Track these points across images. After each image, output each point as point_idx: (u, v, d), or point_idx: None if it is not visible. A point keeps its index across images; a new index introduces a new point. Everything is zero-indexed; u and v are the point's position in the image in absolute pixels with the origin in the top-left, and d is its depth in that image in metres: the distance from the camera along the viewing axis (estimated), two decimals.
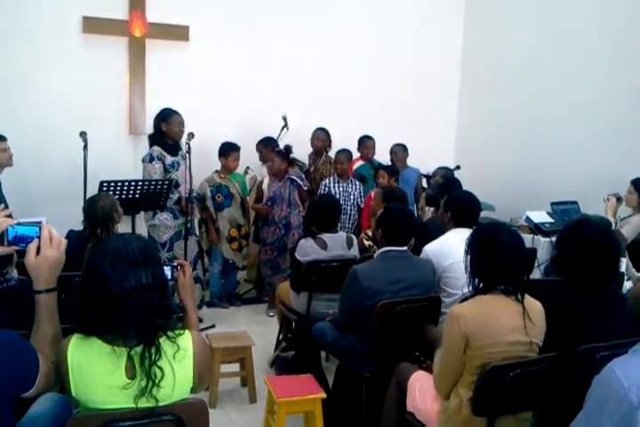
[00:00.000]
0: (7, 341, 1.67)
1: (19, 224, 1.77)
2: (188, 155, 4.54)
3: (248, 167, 5.76)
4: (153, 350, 1.75)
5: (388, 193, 4.06)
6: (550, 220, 5.18)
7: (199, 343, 1.88)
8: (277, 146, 5.34)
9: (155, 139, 4.64)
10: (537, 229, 5.10)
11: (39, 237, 1.78)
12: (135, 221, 4.34)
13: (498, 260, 2.30)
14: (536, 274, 4.58)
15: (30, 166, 5.09)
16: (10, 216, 1.86)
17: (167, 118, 4.59)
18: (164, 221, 4.64)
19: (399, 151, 5.87)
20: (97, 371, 1.75)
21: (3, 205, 2.67)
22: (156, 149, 4.57)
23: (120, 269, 1.74)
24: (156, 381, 1.74)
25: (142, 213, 4.67)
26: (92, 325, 1.75)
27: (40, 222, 1.81)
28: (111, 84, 5.66)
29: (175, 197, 4.59)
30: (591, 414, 1.70)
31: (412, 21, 6.88)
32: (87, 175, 4.54)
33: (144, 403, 1.76)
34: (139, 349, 1.75)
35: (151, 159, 4.55)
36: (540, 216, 5.24)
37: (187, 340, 1.86)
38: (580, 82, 5.74)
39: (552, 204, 5.37)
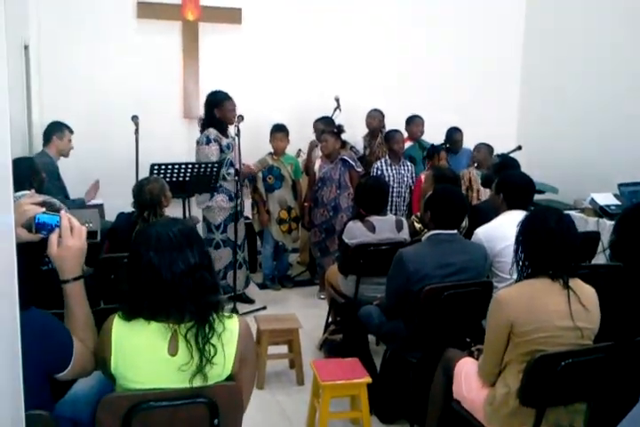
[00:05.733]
0: (42, 320, 1.70)
1: (44, 213, 1.78)
2: (237, 137, 4.51)
3: (300, 150, 5.71)
4: (207, 327, 1.77)
5: (440, 175, 3.92)
6: (617, 202, 4.93)
7: (244, 329, 1.89)
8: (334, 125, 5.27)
9: (207, 123, 4.63)
10: (602, 211, 4.87)
11: (59, 227, 1.77)
12: (187, 205, 4.38)
13: (542, 244, 2.22)
14: (601, 259, 4.35)
15: (88, 151, 5.19)
16: (42, 205, 1.86)
17: (219, 104, 4.57)
18: (221, 203, 4.64)
19: (460, 136, 5.77)
20: (141, 348, 1.77)
21: (32, 191, 2.72)
22: (213, 132, 4.57)
23: (167, 256, 1.75)
24: (210, 358, 1.75)
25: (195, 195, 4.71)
26: (148, 311, 1.77)
27: (59, 212, 1.81)
28: (165, 69, 5.72)
29: (232, 173, 4.57)
30: None
31: (473, 1, 6.61)
32: (140, 158, 4.62)
33: (196, 382, 1.76)
34: (184, 325, 1.76)
35: (208, 141, 4.54)
36: (606, 198, 4.99)
37: (234, 323, 1.87)
38: None
39: (619, 185, 5.09)
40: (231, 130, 4.59)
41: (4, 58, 1.30)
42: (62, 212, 1.82)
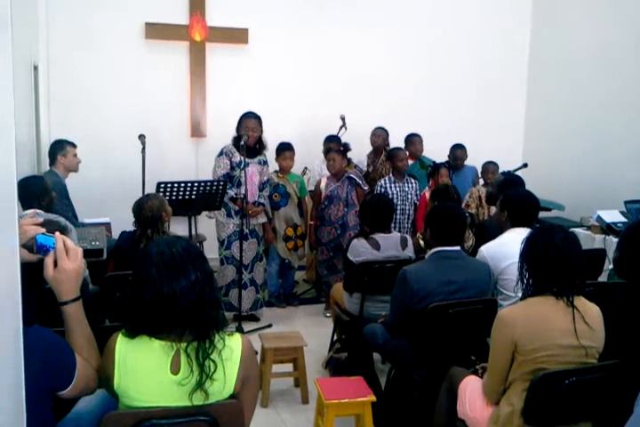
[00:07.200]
0: (45, 337, 1.71)
1: (43, 234, 1.78)
2: (243, 158, 4.53)
3: (306, 168, 5.75)
4: (207, 343, 1.77)
5: (437, 192, 3.95)
6: (624, 219, 4.91)
7: (247, 348, 1.89)
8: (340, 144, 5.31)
9: (235, 141, 4.70)
10: (609, 228, 4.85)
11: (54, 250, 1.77)
12: (192, 222, 4.39)
13: (547, 262, 2.21)
14: (606, 276, 4.33)
15: (96, 169, 5.28)
16: (42, 225, 1.86)
17: (240, 123, 4.69)
18: (217, 217, 4.70)
19: (463, 153, 5.76)
20: (144, 366, 1.78)
21: (34, 210, 2.75)
22: (227, 146, 4.68)
23: (168, 272, 1.76)
24: (210, 373, 1.75)
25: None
26: (149, 328, 1.78)
27: (65, 231, 1.82)
28: (173, 88, 5.82)
29: (232, 192, 4.62)
30: None
31: (476, 16, 6.68)
32: (147, 177, 4.67)
33: (197, 398, 1.76)
34: (185, 341, 1.77)
35: (220, 153, 4.67)
36: (613, 215, 4.97)
37: (236, 341, 1.87)
38: None
39: (626, 202, 5.08)
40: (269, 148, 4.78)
41: (11, 78, 1.34)
42: (57, 233, 1.81)
